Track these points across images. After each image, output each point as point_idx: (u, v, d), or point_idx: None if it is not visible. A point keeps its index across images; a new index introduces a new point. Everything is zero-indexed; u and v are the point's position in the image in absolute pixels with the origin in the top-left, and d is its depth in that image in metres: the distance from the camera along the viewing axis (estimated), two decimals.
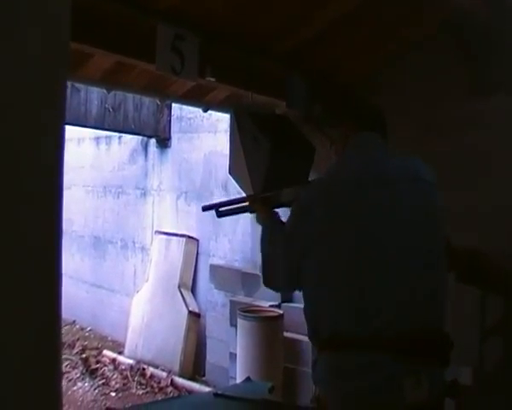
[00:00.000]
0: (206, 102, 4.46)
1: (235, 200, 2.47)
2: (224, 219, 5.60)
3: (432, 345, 1.70)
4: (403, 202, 1.78)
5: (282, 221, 2.20)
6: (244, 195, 2.53)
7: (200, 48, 3.07)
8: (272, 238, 2.09)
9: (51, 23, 0.84)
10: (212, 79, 3.29)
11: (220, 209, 2.47)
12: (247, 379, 2.77)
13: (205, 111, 4.72)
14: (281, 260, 1.94)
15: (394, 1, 3.11)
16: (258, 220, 2.29)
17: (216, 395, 2.39)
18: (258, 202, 2.33)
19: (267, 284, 2.09)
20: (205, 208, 2.57)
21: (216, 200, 5.68)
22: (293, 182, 3.03)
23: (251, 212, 2.38)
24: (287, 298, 4.77)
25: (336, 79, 3.98)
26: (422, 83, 3.69)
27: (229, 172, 3.31)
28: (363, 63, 3.89)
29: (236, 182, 3.30)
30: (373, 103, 2.09)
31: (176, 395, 5.12)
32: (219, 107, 4.53)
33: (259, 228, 2.22)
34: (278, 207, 2.29)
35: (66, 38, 0.87)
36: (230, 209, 2.44)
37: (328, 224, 1.73)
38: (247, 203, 2.40)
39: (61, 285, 0.84)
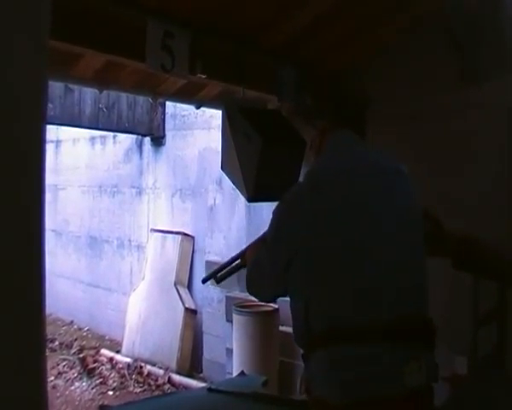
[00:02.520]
0: (198, 99, 4.46)
1: (229, 261, 2.47)
2: (218, 214, 5.69)
3: (427, 330, 1.74)
4: (394, 191, 1.82)
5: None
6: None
7: (190, 44, 3.07)
8: (256, 257, 2.04)
9: (30, 22, 0.85)
10: (203, 76, 3.29)
11: (218, 275, 2.48)
12: (242, 373, 2.79)
13: (197, 108, 4.72)
14: (266, 268, 1.91)
15: None
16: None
17: (210, 389, 2.41)
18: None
19: (253, 293, 2.07)
20: (204, 280, 2.65)
21: (210, 201, 5.77)
22: (285, 176, 3.06)
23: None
24: None
25: (325, 70, 3.97)
26: (410, 70, 3.69)
27: (222, 168, 3.32)
28: (352, 52, 3.88)
29: (229, 178, 3.31)
30: (354, 98, 2.06)
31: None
32: (212, 103, 4.52)
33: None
34: None
35: (45, 38, 0.88)
36: (227, 271, 2.45)
37: (320, 214, 1.71)
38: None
39: (44, 280, 0.85)
